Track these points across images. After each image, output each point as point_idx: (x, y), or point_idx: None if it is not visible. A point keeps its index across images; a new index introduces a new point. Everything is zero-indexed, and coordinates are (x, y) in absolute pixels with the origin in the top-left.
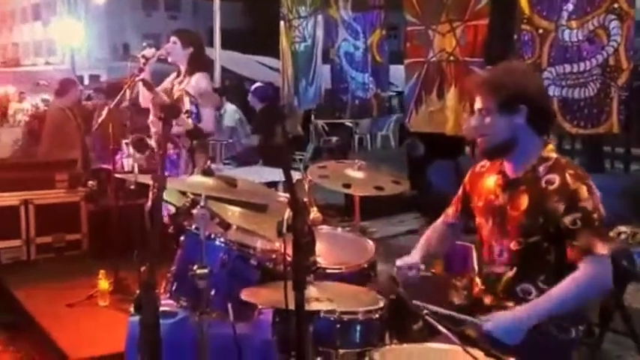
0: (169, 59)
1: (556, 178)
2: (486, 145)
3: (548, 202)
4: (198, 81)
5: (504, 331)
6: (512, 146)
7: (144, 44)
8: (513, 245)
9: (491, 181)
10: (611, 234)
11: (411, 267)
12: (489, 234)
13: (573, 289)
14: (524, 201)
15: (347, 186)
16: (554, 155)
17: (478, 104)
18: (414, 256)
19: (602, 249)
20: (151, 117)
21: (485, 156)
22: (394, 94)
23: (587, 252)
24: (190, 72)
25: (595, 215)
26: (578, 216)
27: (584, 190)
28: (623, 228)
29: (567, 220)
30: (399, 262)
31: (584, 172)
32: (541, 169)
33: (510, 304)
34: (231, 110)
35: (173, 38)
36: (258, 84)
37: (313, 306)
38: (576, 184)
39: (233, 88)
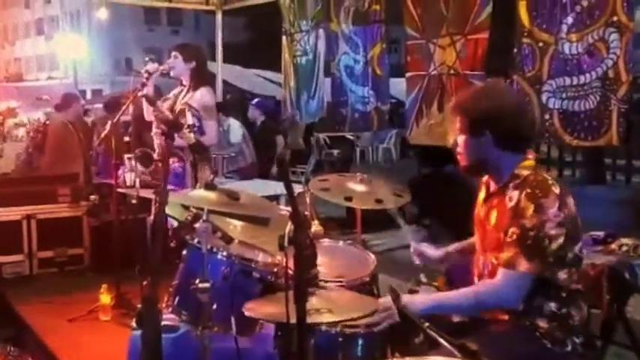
0: (172, 74)
1: (515, 196)
2: (462, 163)
3: (505, 219)
4: (202, 95)
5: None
6: (485, 165)
7: (146, 59)
8: (493, 259)
9: (482, 194)
10: (613, 246)
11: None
12: (477, 247)
13: (475, 297)
14: (493, 216)
15: (348, 199)
16: (525, 172)
17: (457, 124)
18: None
19: (523, 267)
20: (154, 129)
21: (463, 173)
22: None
23: (507, 266)
24: (195, 86)
25: (531, 233)
26: (514, 230)
27: (530, 209)
28: (625, 240)
29: (508, 232)
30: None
31: (546, 191)
32: (511, 185)
33: (504, 317)
34: (235, 125)
35: (174, 53)
36: (257, 98)
37: (313, 318)
38: (526, 203)
39: (235, 102)
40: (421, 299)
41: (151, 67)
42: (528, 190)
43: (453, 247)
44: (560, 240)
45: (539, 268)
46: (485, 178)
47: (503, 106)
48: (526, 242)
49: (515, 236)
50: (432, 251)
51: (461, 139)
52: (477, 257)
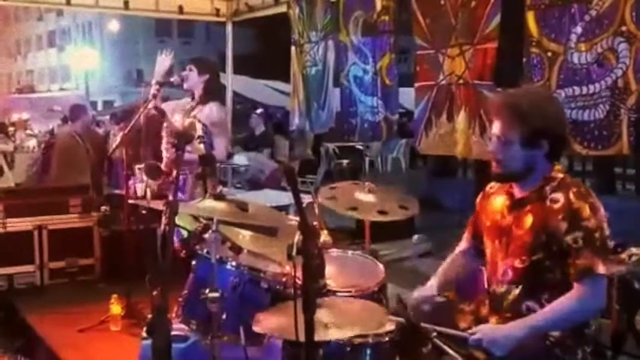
0: (185, 86)
1: (560, 197)
2: (501, 172)
3: (552, 221)
4: (211, 110)
5: (492, 342)
6: (527, 174)
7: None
8: (517, 263)
9: (498, 201)
10: (623, 255)
11: (425, 300)
12: (495, 253)
13: (570, 308)
14: (528, 220)
15: (353, 209)
16: (560, 175)
17: (497, 130)
18: (432, 286)
19: (602, 269)
20: (164, 144)
21: (498, 181)
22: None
23: (587, 272)
24: (205, 101)
25: (597, 234)
26: (580, 235)
27: (586, 209)
28: (634, 250)
29: (569, 238)
30: (415, 294)
31: (589, 191)
32: (547, 188)
33: None
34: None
35: (190, 65)
36: (260, 109)
37: (321, 334)
38: (579, 202)
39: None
40: (514, 330)
41: (162, 78)
42: (575, 190)
43: (439, 280)
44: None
45: (611, 267)
46: (494, 186)
47: (559, 111)
48: (595, 244)
49: (581, 241)
50: (423, 294)
51: (507, 148)
52: (491, 264)
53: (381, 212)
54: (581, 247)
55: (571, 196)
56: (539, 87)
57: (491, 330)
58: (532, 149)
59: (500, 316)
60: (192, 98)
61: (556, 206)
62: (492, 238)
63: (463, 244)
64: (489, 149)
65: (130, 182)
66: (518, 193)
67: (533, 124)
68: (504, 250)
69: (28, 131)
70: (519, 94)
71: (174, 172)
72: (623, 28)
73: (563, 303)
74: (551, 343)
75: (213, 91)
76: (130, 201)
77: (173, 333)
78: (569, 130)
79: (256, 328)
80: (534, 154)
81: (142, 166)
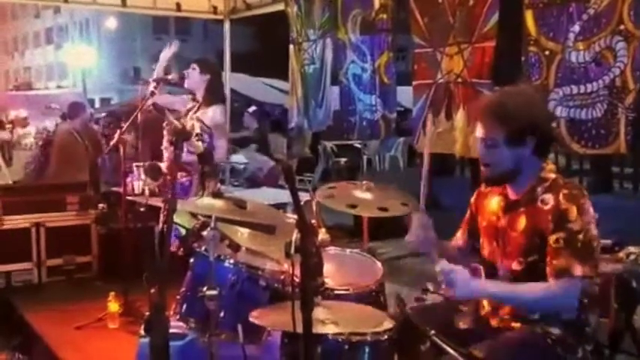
0: (185, 84)
1: (550, 199)
2: (490, 175)
3: (542, 222)
4: (215, 113)
5: (456, 282)
6: (516, 174)
7: (153, 67)
8: (514, 265)
9: (494, 202)
10: (621, 254)
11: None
12: (492, 255)
13: (539, 298)
14: (522, 222)
15: (353, 207)
16: (552, 176)
17: (481, 133)
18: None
19: (578, 271)
20: (165, 143)
21: (488, 184)
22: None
23: (563, 272)
24: (208, 102)
25: (580, 236)
26: (562, 235)
27: (573, 211)
28: (632, 249)
29: (552, 238)
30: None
31: (582, 192)
32: (539, 189)
33: (516, 324)
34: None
35: (193, 65)
36: (254, 107)
37: (318, 329)
38: (567, 204)
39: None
40: (481, 287)
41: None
42: (565, 192)
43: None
44: (598, 241)
45: (593, 270)
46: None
47: (544, 108)
48: (576, 246)
49: (562, 242)
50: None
51: (493, 150)
52: (489, 265)
53: (381, 209)
54: (561, 248)
55: (561, 197)
56: (523, 86)
57: (462, 278)
58: (518, 147)
59: (500, 317)
60: (193, 98)
61: (546, 208)
62: (490, 238)
63: (459, 242)
64: (479, 154)
65: (128, 179)
66: (512, 194)
67: (517, 123)
68: (501, 252)
69: (26, 129)
70: (504, 93)
71: (174, 170)
72: (621, 27)
73: (536, 290)
74: (552, 341)
75: (215, 93)
76: (129, 197)
77: (171, 331)
78: (567, 128)
79: (254, 321)
80: (521, 153)
81: (141, 164)
